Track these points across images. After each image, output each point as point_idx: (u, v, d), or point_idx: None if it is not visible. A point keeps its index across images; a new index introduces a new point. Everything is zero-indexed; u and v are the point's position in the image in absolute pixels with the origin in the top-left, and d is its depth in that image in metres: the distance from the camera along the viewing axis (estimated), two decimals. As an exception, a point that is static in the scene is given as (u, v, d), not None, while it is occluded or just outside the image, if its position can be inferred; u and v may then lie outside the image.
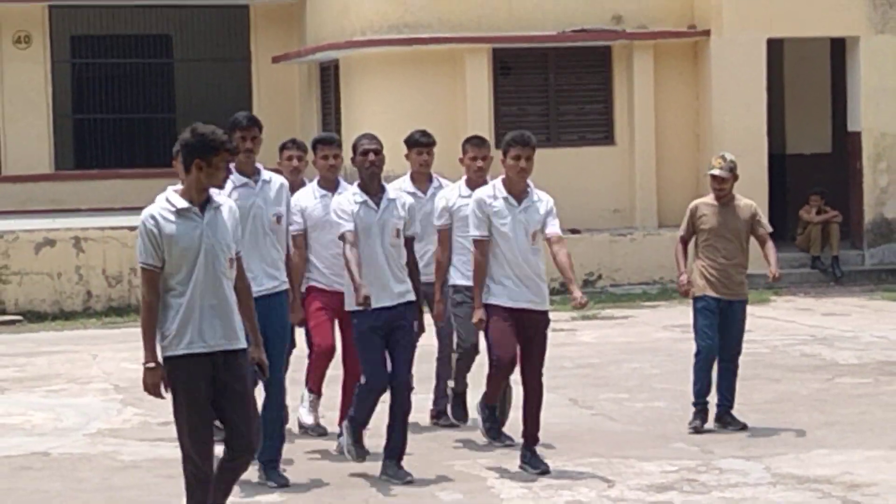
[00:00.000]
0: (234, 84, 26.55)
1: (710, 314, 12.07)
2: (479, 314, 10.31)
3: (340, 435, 10.80)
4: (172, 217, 7.89)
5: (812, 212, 22.82)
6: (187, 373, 7.90)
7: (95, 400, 14.18)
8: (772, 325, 17.26)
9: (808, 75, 24.85)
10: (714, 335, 12.02)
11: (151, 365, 7.89)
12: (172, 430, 11.78)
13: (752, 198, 12.86)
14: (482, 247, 10.26)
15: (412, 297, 10.31)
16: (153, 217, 7.89)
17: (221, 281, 7.98)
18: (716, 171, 11.95)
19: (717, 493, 9.86)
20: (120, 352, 16.93)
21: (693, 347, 12.15)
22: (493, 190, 10.36)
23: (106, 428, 12.78)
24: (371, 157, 10.11)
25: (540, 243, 10.37)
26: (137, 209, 22.73)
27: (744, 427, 11.97)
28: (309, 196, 11.14)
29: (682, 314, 17.21)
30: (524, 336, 10.29)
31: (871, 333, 17.44)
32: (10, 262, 20.07)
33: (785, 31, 22.74)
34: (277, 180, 10.37)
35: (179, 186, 8.22)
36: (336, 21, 23.62)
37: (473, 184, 11.36)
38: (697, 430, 11.75)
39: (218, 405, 8.06)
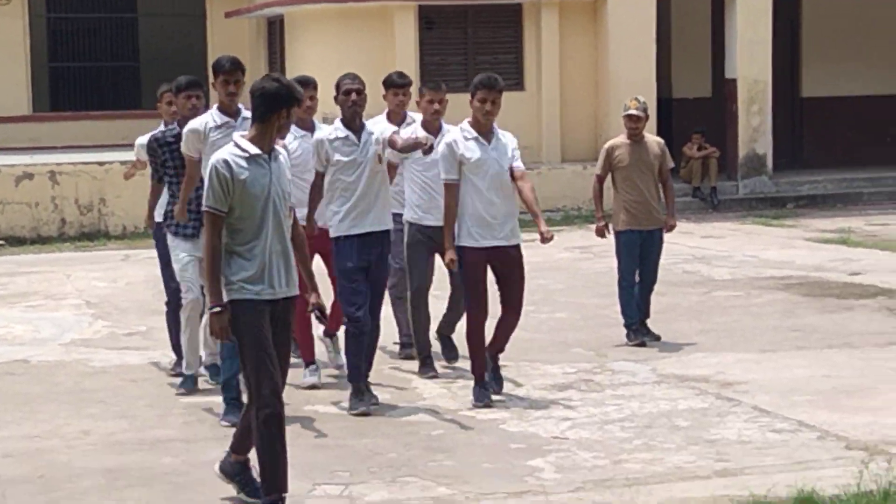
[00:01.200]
0: (192, 37, 26.34)
1: (633, 247, 11.94)
2: (450, 254, 9.67)
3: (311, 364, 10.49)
4: (244, 163, 7.16)
5: (694, 148, 23.06)
6: (254, 316, 7.21)
7: (69, 314, 14.09)
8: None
9: (691, 29, 24.95)
10: (635, 265, 11.94)
11: (218, 309, 7.19)
12: (136, 340, 12.44)
13: None
14: (452, 190, 9.60)
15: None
16: (226, 161, 7.16)
17: (284, 228, 7.32)
18: (632, 111, 11.80)
19: (609, 391, 10.02)
20: (91, 272, 17.01)
21: (593, 267, 12.42)
22: (461, 132, 9.69)
23: (78, 338, 12.73)
24: (353, 96, 9.56)
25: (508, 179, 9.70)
26: (106, 146, 23.03)
27: (658, 338, 11.91)
28: (287, 137, 9.96)
29: (582, 238, 17.83)
30: (501, 272, 9.80)
31: (742, 253, 17.84)
32: None
33: None
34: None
35: (244, 132, 7.57)
36: None
37: (429, 125, 10.68)
38: (642, 344, 11.62)
39: None
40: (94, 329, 13.21)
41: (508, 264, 9.74)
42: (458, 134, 9.69)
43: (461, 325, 10.53)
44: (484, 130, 9.63)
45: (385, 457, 8.41)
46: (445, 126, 10.63)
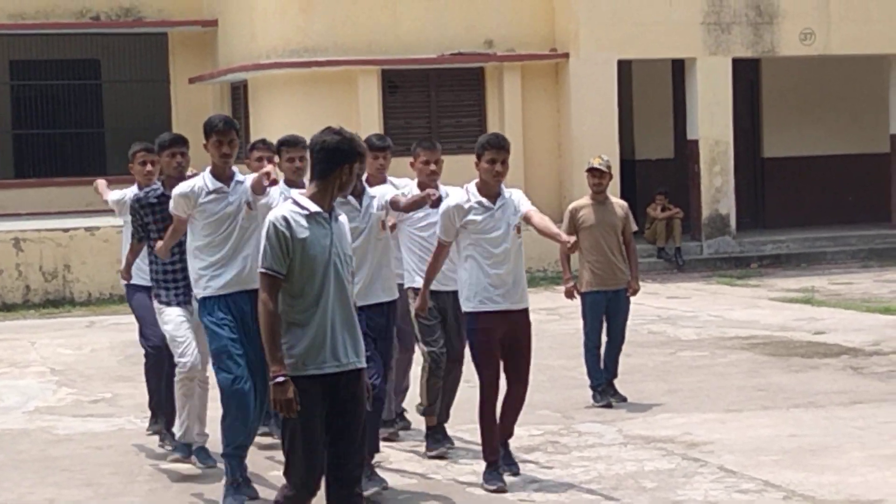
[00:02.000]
0: (156, 103, 26.12)
1: (599, 307, 11.80)
2: (421, 301, 9.23)
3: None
4: (304, 221, 6.58)
5: (657, 209, 22.98)
6: (311, 394, 6.57)
7: (33, 382, 13.92)
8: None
9: (652, 91, 24.86)
10: (600, 327, 11.79)
11: (282, 379, 6.45)
12: (102, 407, 12.27)
13: None
14: (444, 251, 9.14)
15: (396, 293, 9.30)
16: (285, 218, 6.59)
17: (348, 293, 6.74)
18: (596, 164, 11.67)
19: (576, 453, 9.91)
20: (56, 339, 16.85)
21: (560, 329, 12.32)
22: (467, 194, 9.07)
23: (43, 406, 12.61)
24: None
25: (518, 240, 9.09)
26: (70, 213, 22.97)
27: (624, 399, 11.77)
28: (277, 197, 9.04)
29: (548, 299, 17.57)
30: (510, 339, 9.11)
31: (707, 313, 17.71)
32: None
33: (633, 54, 22.80)
34: (251, 179, 8.95)
35: (303, 190, 6.98)
36: (245, 46, 23.45)
37: (425, 188, 9.66)
38: (609, 405, 11.42)
39: (330, 426, 6.67)
40: (58, 396, 13.08)
41: (519, 330, 9.15)
42: (461, 197, 9.09)
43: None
44: (491, 193, 9.02)
45: None
46: (443, 188, 9.80)
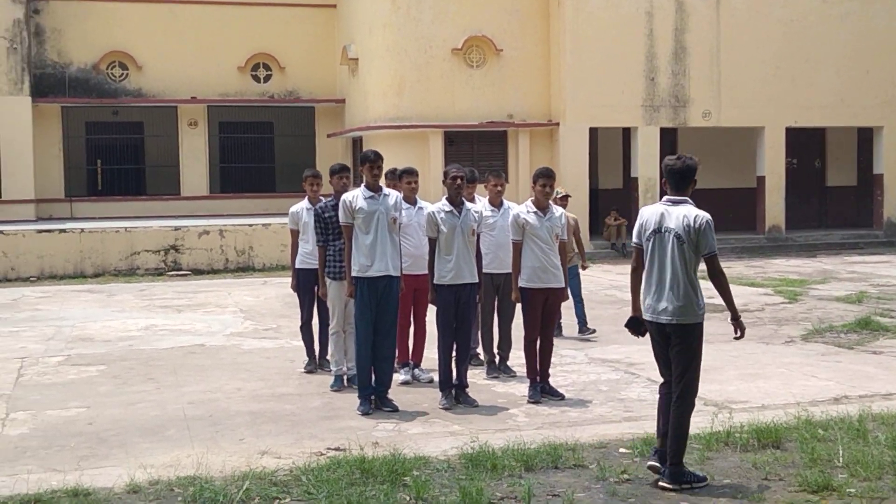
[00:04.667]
0: (306, 149, 25.63)
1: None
2: (515, 293, 8.57)
3: (405, 366, 9.33)
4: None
5: (611, 219, 22.43)
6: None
7: (229, 316, 13.88)
8: (590, 279, 16.36)
9: (610, 147, 24.36)
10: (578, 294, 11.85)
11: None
12: (270, 333, 12.29)
13: (580, 213, 12.40)
14: (518, 247, 8.46)
15: (477, 278, 8.51)
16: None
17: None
18: (562, 191, 11.17)
19: (559, 368, 9.65)
20: (243, 291, 16.78)
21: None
22: (526, 207, 8.56)
23: (234, 331, 12.57)
24: (458, 181, 8.31)
25: (556, 242, 8.54)
26: (253, 215, 23.03)
27: (593, 331, 11.60)
28: (396, 209, 8.41)
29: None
30: (547, 308, 8.57)
31: (620, 286, 15.95)
32: (184, 242, 19.61)
33: (598, 124, 22.39)
34: (394, 194, 8.43)
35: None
36: (361, 115, 23.22)
37: (494, 201, 9.53)
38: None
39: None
40: (244, 326, 13.05)
41: (556, 304, 8.69)
42: (522, 209, 8.59)
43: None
44: (542, 206, 8.48)
45: (421, 408, 8.35)
46: (506, 203, 9.57)
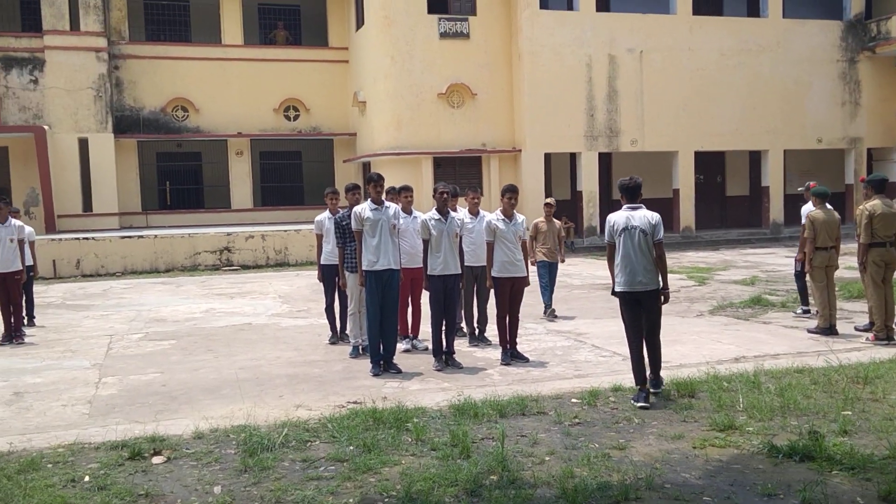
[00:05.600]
0: (326, 173, 25.39)
1: (545, 269, 11.32)
2: (489, 281, 8.42)
3: (406, 338, 9.22)
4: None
5: (562, 223, 22.00)
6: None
7: (270, 301, 13.73)
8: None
9: (560, 168, 23.97)
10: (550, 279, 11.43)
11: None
12: (302, 314, 12.11)
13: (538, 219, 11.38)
14: (491, 245, 8.30)
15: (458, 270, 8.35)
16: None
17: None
18: (550, 201, 11.27)
19: (525, 338, 9.56)
20: (280, 281, 16.65)
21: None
22: (496, 216, 8.43)
23: (274, 312, 12.42)
24: (444, 195, 8.23)
25: (520, 241, 8.35)
26: (287, 223, 22.93)
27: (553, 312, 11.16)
28: (396, 218, 8.27)
29: None
30: (513, 293, 8.43)
31: (585, 272, 17.18)
32: (234, 244, 19.44)
33: (551, 149, 22.13)
34: (393, 206, 8.30)
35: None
36: (368, 145, 23.08)
37: (472, 211, 9.36)
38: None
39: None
40: (281, 308, 12.92)
41: (520, 289, 8.47)
42: (493, 217, 8.46)
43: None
44: (508, 215, 8.37)
45: (420, 370, 8.30)
46: (482, 212, 9.38)
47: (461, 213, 9.39)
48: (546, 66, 21.99)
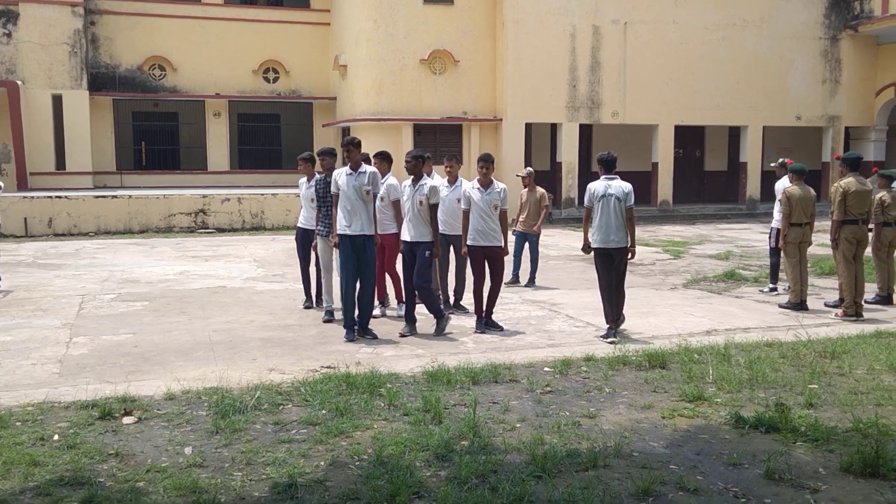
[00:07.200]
0: (305, 136, 25.15)
1: (520, 240, 11.47)
2: (464, 249, 8.43)
3: (380, 304, 9.27)
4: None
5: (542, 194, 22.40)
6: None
7: (245, 265, 13.70)
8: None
9: (540, 138, 23.36)
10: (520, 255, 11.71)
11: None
12: (277, 278, 12.13)
13: (517, 190, 11.88)
14: (466, 215, 8.33)
15: (429, 237, 8.15)
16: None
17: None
18: (522, 173, 11.40)
19: (500, 307, 9.45)
20: (256, 245, 16.59)
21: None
22: (472, 184, 8.45)
23: (249, 276, 12.39)
24: (412, 163, 8.09)
25: (495, 212, 8.29)
26: (264, 186, 22.75)
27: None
28: (374, 182, 8.11)
29: None
30: (491, 261, 8.41)
31: (562, 243, 16.61)
32: (210, 207, 19.33)
33: (532, 119, 22.00)
34: (369, 170, 8.08)
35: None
36: (349, 110, 22.78)
37: (449, 180, 9.20)
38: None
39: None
40: (257, 272, 12.89)
41: (495, 257, 8.39)
42: (469, 185, 8.50)
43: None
44: (484, 183, 8.34)
45: (394, 337, 8.32)
46: (460, 179, 9.23)
47: (439, 180, 9.30)
48: (530, 34, 21.79)
